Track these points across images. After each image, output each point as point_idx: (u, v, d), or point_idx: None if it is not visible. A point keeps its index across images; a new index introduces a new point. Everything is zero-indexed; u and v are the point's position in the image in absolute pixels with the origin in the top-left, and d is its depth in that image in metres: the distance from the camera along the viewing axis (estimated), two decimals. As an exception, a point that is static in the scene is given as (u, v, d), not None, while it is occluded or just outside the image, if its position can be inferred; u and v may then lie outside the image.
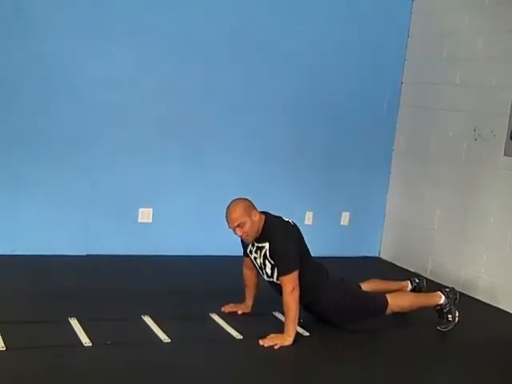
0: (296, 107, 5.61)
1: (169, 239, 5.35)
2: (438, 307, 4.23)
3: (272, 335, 3.75)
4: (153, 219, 5.32)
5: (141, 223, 5.30)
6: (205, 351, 3.60)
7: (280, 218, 3.97)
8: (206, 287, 4.65)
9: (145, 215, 5.30)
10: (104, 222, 5.16)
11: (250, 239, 3.91)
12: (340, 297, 4.05)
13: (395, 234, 5.96)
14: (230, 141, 5.44)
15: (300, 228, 4.03)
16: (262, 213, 3.92)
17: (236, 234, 3.87)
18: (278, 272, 3.82)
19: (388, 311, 4.13)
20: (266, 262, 3.89)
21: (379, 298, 4.14)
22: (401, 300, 4.20)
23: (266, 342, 3.69)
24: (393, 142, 5.98)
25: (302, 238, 4.01)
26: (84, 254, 5.12)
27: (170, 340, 3.65)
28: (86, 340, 3.52)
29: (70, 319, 3.77)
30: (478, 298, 5.01)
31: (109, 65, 4.98)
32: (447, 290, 4.30)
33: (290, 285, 3.74)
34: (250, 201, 3.89)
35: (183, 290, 4.56)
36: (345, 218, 5.98)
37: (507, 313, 4.78)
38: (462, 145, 5.28)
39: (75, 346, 3.47)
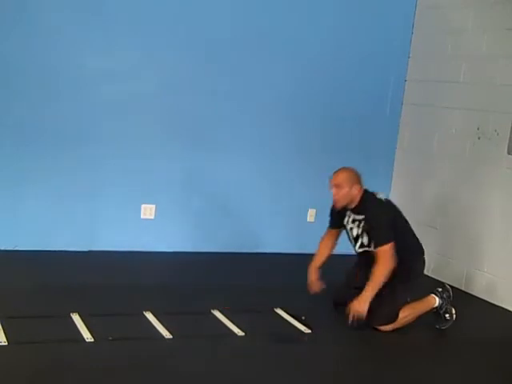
0: (298, 105, 5.60)
1: (171, 236, 5.35)
2: (435, 310, 4.17)
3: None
4: (155, 215, 5.32)
5: (143, 219, 5.31)
6: (206, 347, 3.60)
7: (374, 195, 4.16)
8: (208, 284, 4.65)
9: (147, 211, 5.30)
10: (106, 217, 5.16)
11: (339, 205, 4.13)
12: (402, 284, 4.05)
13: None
14: (232, 138, 5.43)
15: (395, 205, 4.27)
16: (362, 189, 4.11)
17: (331, 191, 4.08)
18: (374, 243, 3.97)
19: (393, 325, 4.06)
20: (364, 233, 4.08)
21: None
22: (403, 316, 4.05)
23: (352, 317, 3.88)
24: (396, 139, 5.96)
25: (398, 212, 4.21)
26: (86, 249, 5.12)
27: (171, 336, 3.65)
28: (87, 335, 3.52)
29: (71, 314, 3.77)
30: (480, 296, 4.99)
31: (111, 59, 4.98)
32: (439, 290, 4.22)
33: (384, 256, 3.89)
34: (358, 175, 4.13)
35: (185, 286, 4.56)
36: (347, 216, 5.97)
37: (510, 311, 4.77)
38: (465, 143, 5.26)
39: (77, 341, 3.47)
